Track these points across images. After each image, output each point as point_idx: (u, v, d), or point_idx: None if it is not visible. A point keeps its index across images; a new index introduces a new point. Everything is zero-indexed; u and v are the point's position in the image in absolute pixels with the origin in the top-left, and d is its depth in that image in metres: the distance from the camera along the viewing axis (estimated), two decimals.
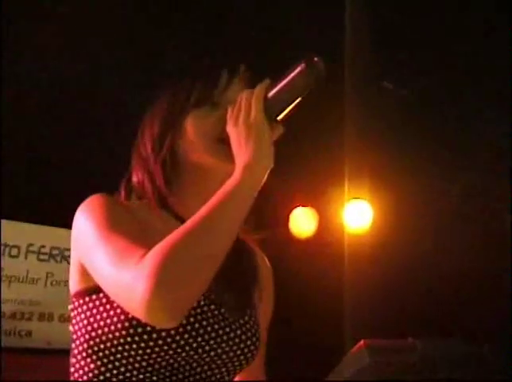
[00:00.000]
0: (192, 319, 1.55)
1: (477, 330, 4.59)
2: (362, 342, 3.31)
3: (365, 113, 5.02)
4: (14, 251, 5.29)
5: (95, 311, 1.56)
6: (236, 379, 1.72)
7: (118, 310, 1.52)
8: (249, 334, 1.64)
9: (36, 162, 5.08)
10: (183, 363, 1.55)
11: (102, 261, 1.44)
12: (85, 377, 1.58)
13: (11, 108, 4.80)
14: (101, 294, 1.55)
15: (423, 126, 5.55)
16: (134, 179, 1.71)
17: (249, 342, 1.63)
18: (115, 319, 1.51)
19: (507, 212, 5.28)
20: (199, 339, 1.55)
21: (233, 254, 1.45)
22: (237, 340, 1.61)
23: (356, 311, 5.40)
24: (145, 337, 1.49)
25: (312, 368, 5.06)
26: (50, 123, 4.99)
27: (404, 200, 5.81)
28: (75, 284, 1.63)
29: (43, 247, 5.43)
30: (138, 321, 1.47)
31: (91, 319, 1.55)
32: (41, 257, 5.42)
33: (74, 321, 1.61)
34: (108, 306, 1.54)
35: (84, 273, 1.57)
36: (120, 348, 1.51)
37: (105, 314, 1.53)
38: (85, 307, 1.58)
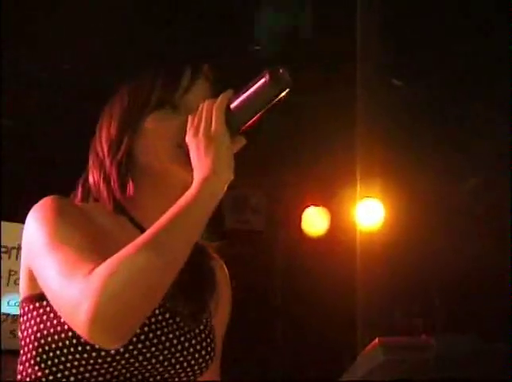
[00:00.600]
0: (146, 328, 1.50)
1: (490, 328, 4.59)
2: (376, 340, 3.32)
3: (376, 112, 5.02)
4: None
5: (44, 318, 1.50)
6: None
7: None
8: (204, 344, 1.58)
9: (49, 167, 5.10)
10: (135, 372, 1.50)
11: (50, 271, 1.39)
12: None
13: (11, 108, 4.81)
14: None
15: (434, 124, 5.55)
16: (91, 179, 1.64)
17: (203, 352, 1.58)
18: (66, 327, 1.45)
19: None
20: (153, 349, 1.50)
21: (190, 259, 1.40)
22: (191, 350, 1.55)
23: (368, 309, 5.39)
24: (96, 346, 1.43)
25: (324, 365, 5.08)
26: (53, 124, 5.01)
27: (415, 199, 5.80)
28: (24, 289, 1.57)
29: None
30: None
31: (41, 326, 1.49)
32: None
33: (23, 327, 1.54)
34: (58, 314, 1.46)
35: (33, 278, 1.51)
36: (70, 356, 1.45)
37: (55, 321, 1.47)
38: (34, 313, 1.52)
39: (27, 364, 1.53)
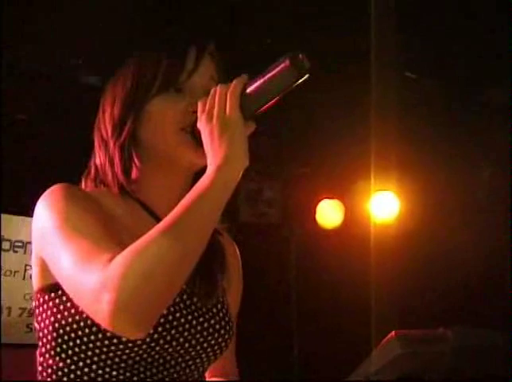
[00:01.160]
0: (165, 311, 1.49)
1: (505, 321, 4.57)
2: (393, 333, 3.31)
3: (391, 105, 5.00)
4: None
5: (61, 307, 1.49)
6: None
7: None
8: (222, 323, 1.60)
9: (63, 163, 5.11)
10: (156, 356, 1.50)
11: (66, 261, 1.38)
12: (54, 376, 1.52)
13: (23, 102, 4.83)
14: None
15: (450, 117, 5.53)
16: (97, 161, 1.63)
17: (222, 331, 1.59)
18: (84, 315, 1.44)
19: None
20: (173, 331, 1.50)
21: None
22: (211, 330, 1.57)
23: (383, 302, 5.38)
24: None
25: (339, 358, 5.07)
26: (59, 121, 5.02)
27: (430, 192, 5.79)
28: (38, 279, 1.56)
29: None
30: None
31: (58, 316, 1.49)
32: None
33: (39, 318, 1.54)
34: (74, 303, 1.46)
35: (45, 268, 1.50)
36: (91, 345, 1.45)
37: (72, 310, 1.47)
38: (50, 304, 1.51)
39: (47, 356, 1.52)
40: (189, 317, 1.53)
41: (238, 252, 1.84)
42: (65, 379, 1.50)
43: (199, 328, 1.54)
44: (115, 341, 1.45)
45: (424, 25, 4.77)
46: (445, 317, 5.13)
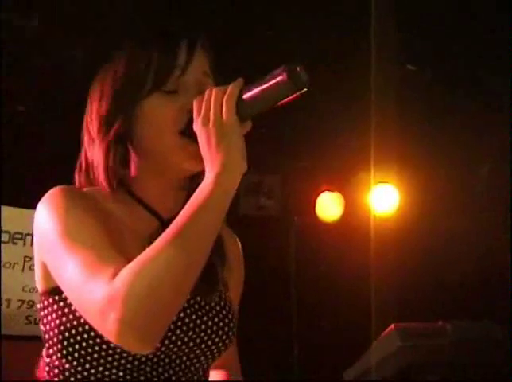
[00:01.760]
0: None
1: (507, 314, 4.57)
2: (392, 326, 3.32)
3: (391, 97, 5.00)
4: None
5: (66, 310, 1.48)
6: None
7: None
8: (226, 321, 1.60)
9: (64, 155, 5.10)
10: (162, 356, 1.51)
11: (69, 273, 1.38)
12: (61, 376, 1.52)
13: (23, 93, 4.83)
14: None
15: (450, 110, 5.52)
16: (88, 156, 1.61)
17: (226, 328, 1.59)
18: None
19: None
20: (178, 331, 1.50)
21: None
22: (215, 328, 1.57)
23: (383, 295, 5.38)
24: None
25: (339, 351, 5.07)
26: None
27: (430, 184, 5.79)
28: (41, 282, 1.56)
29: None
30: None
31: (63, 319, 1.48)
32: None
33: (45, 320, 1.54)
34: None
35: (47, 272, 1.50)
36: (96, 347, 1.45)
37: (77, 313, 1.45)
38: (55, 306, 1.51)
39: (54, 357, 1.52)
40: (193, 316, 1.54)
41: (239, 244, 1.84)
42: (72, 379, 1.51)
43: (203, 326, 1.55)
44: None
45: (425, 18, 4.77)
46: (444, 310, 5.13)
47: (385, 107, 4.99)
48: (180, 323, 1.50)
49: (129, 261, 1.32)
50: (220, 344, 1.58)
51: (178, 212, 1.38)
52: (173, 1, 4.45)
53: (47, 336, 1.54)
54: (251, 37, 4.74)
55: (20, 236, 5.22)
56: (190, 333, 1.52)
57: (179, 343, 1.51)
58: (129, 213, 1.57)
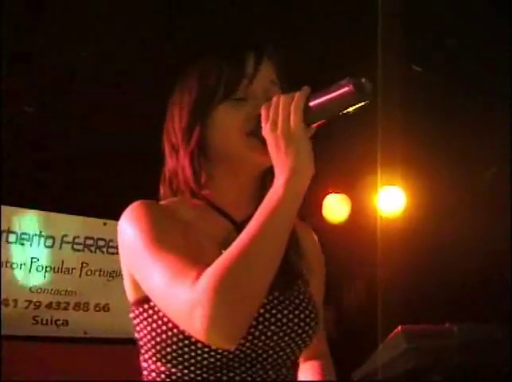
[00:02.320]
0: None
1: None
2: (399, 328, 3.32)
3: (397, 100, 5.00)
4: (49, 242, 5.34)
5: (155, 317, 1.58)
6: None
7: None
8: (307, 312, 1.66)
9: (70, 156, 5.12)
10: (248, 352, 1.58)
11: (155, 280, 1.47)
12: (158, 379, 1.62)
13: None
14: None
15: (455, 112, 5.52)
16: (169, 167, 1.72)
17: (308, 320, 1.65)
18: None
19: None
20: (260, 326, 1.58)
21: None
22: (296, 320, 1.63)
23: (389, 296, 5.39)
24: None
25: (345, 352, 5.08)
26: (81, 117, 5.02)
27: (436, 186, 5.79)
28: (131, 292, 1.66)
29: (77, 237, 5.47)
30: None
31: (153, 325, 1.58)
32: (76, 247, 5.46)
33: (138, 328, 1.64)
34: None
35: (136, 283, 1.60)
36: (186, 349, 1.54)
37: (165, 319, 1.55)
38: (145, 315, 1.61)
39: (150, 361, 1.63)
40: (273, 311, 1.60)
41: (316, 240, 1.95)
42: (168, 380, 1.60)
43: (284, 320, 1.61)
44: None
45: (430, 18, 4.77)
46: (451, 311, 5.13)
47: (391, 110, 4.99)
48: (261, 319, 1.58)
49: (207, 264, 1.40)
50: (304, 336, 1.65)
51: (251, 216, 1.46)
52: (239, 14, 4.48)
53: (141, 342, 1.64)
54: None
55: (27, 237, 5.24)
56: (272, 328, 1.59)
57: (262, 338, 1.58)
58: (204, 219, 1.67)
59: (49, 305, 5.27)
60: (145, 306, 1.60)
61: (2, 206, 4.97)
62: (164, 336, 1.55)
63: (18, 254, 5.17)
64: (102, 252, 5.57)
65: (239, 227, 1.53)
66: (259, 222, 1.42)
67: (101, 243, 5.56)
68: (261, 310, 1.58)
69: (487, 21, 4.69)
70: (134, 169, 5.29)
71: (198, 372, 1.56)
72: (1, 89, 4.45)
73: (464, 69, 5.25)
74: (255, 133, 1.56)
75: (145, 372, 1.66)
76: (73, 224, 5.45)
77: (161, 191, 1.75)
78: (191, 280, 1.38)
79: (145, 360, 1.65)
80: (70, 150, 5.10)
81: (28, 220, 5.23)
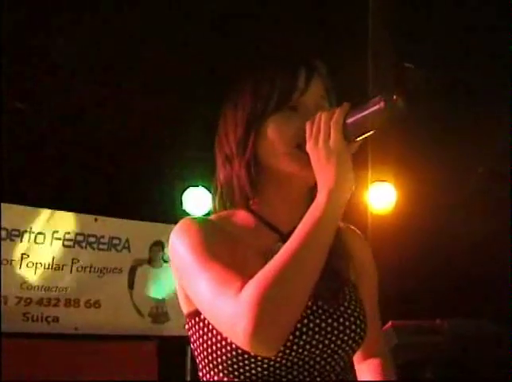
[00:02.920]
0: None
1: (503, 311, 4.58)
2: (389, 323, 3.32)
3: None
4: (40, 238, 5.33)
5: (205, 330, 1.65)
6: (356, 356, 1.83)
7: None
8: (352, 319, 1.69)
9: (61, 152, 5.11)
10: (295, 360, 1.61)
11: (202, 290, 1.53)
12: None
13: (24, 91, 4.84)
14: None
15: (447, 109, 5.53)
16: (221, 179, 1.78)
17: (354, 326, 1.68)
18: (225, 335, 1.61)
19: None
20: (304, 336, 1.61)
21: None
22: (341, 327, 1.66)
23: (380, 292, 5.39)
24: None
25: None
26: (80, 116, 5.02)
27: (427, 182, 5.80)
28: (184, 305, 1.73)
29: (68, 233, 5.46)
30: None
31: (205, 337, 1.65)
32: (66, 243, 5.45)
33: (192, 339, 1.71)
34: None
35: (188, 297, 1.66)
36: (235, 359, 1.59)
37: (215, 331, 1.62)
38: (197, 327, 1.68)
39: (204, 371, 1.70)
40: (317, 321, 1.64)
41: (366, 244, 2.01)
42: None
43: (329, 328, 1.64)
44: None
45: (422, 14, 4.77)
46: (442, 307, 5.15)
47: None
48: (305, 329, 1.62)
49: (253, 275, 1.46)
50: (350, 342, 1.68)
51: (295, 227, 1.52)
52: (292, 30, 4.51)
53: (195, 353, 1.72)
54: None
55: (17, 233, 5.23)
56: (316, 336, 1.62)
57: (307, 347, 1.62)
58: (252, 232, 1.73)
59: (40, 302, 5.27)
60: (197, 319, 1.68)
61: None
62: (214, 347, 1.63)
63: (9, 250, 5.16)
64: (93, 248, 5.56)
65: (285, 238, 1.57)
66: (301, 234, 1.49)
67: (92, 239, 5.56)
68: (305, 321, 1.62)
69: (484, 21, 4.70)
70: (126, 166, 5.29)
71: (247, 380, 1.62)
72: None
73: (456, 67, 5.26)
74: (303, 147, 1.61)
75: (204, 380, 1.72)
76: (64, 221, 5.44)
77: (213, 203, 1.83)
78: (234, 292, 1.45)
79: (200, 370, 1.72)
80: (61, 146, 5.09)
81: (18, 217, 5.21)
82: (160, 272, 5.81)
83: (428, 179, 5.79)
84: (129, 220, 5.69)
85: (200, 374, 1.72)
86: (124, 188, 5.39)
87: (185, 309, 1.72)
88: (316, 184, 1.59)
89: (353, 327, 1.68)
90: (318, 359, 1.64)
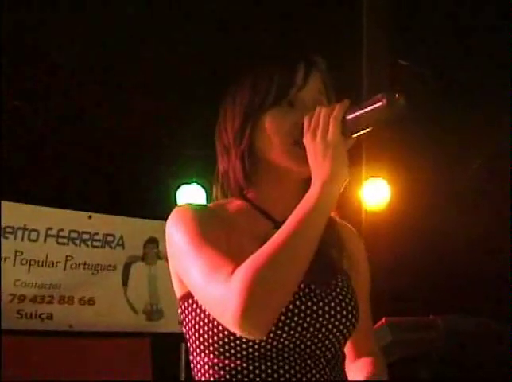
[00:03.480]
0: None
1: (500, 308, 4.59)
2: (383, 320, 3.32)
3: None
4: (33, 235, 5.32)
5: (198, 311, 1.68)
6: (347, 346, 1.87)
7: None
8: (343, 304, 1.72)
9: (58, 151, 5.10)
10: (286, 342, 1.64)
11: (194, 275, 1.56)
12: (202, 370, 1.71)
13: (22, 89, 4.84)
14: None
15: (442, 104, 5.54)
16: (220, 168, 1.82)
17: (345, 312, 1.71)
18: None
19: None
20: (296, 318, 1.63)
21: None
22: (332, 312, 1.69)
23: (373, 289, 5.40)
24: None
25: None
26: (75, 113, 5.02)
27: (421, 178, 5.80)
28: (178, 289, 1.76)
29: (62, 230, 5.45)
30: None
31: (197, 318, 1.68)
32: (60, 240, 5.45)
33: (184, 322, 1.74)
34: None
35: (182, 280, 1.69)
36: (226, 339, 1.63)
37: (207, 312, 1.65)
38: (190, 309, 1.71)
39: (195, 353, 1.73)
40: (309, 303, 1.66)
41: (361, 242, 2.04)
42: (211, 371, 1.69)
43: (320, 312, 1.67)
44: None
45: (417, 12, 4.78)
46: (436, 304, 5.15)
47: None
48: (296, 310, 1.64)
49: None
50: (341, 328, 1.70)
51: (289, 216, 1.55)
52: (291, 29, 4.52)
53: (187, 335, 1.75)
54: None
55: (11, 230, 5.22)
56: (308, 319, 1.65)
57: (299, 329, 1.64)
58: (248, 219, 1.75)
59: (34, 299, 5.26)
60: (190, 301, 1.70)
61: None
62: (206, 327, 1.66)
63: (2, 247, 5.15)
64: (87, 245, 5.56)
65: (279, 226, 1.59)
66: (293, 222, 1.52)
67: (86, 236, 5.55)
68: (298, 302, 1.64)
69: (484, 20, 4.71)
70: (121, 164, 5.29)
71: (238, 362, 1.64)
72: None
73: (453, 63, 5.27)
74: (299, 142, 1.63)
75: (192, 365, 1.75)
76: (58, 217, 5.43)
77: (214, 192, 1.86)
78: (226, 275, 1.48)
79: (191, 353, 1.74)
80: (55, 143, 5.08)
81: (12, 213, 5.21)
82: (155, 269, 5.82)
83: (423, 176, 5.80)
84: (123, 217, 5.69)
85: (191, 357, 1.75)
86: (118, 185, 5.39)
87: (179, 293, 1.75)
88: (311, 178, 1.61)
89: (344, 312, 1.71)
90: (309, 343, 1.66)
